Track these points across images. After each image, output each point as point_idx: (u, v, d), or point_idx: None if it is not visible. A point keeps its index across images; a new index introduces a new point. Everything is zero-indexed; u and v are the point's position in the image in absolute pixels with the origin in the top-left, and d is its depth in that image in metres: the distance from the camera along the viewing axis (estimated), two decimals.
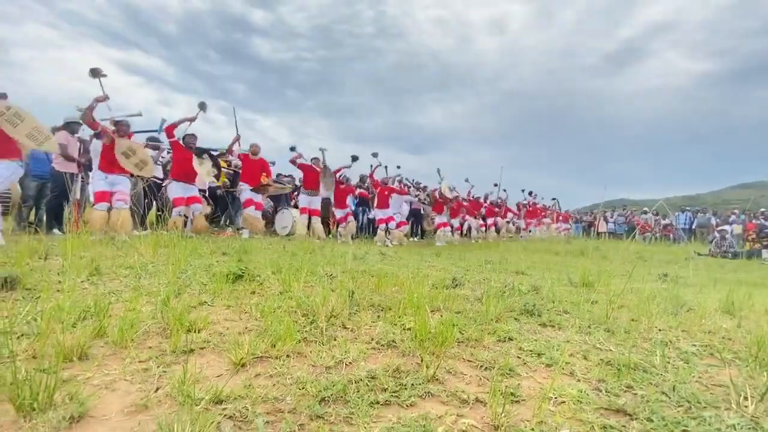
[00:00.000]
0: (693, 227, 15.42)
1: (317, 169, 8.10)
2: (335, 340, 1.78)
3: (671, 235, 15.52)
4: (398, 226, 9.07)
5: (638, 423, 1.23)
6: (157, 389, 1.27)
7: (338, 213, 8.50)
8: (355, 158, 8.68)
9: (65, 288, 2.14)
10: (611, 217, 17.66)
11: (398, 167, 10.20)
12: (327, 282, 2.88)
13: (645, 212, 16.74)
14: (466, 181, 11.80)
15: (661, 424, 1.21)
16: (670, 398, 1.39)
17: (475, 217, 11.86)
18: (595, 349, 1.88)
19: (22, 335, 1.58)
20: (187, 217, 6.46)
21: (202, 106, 6.49)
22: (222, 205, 8.24)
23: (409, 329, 1.93)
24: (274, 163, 9.64)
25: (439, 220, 10.09)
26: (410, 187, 10.89)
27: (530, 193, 15.31)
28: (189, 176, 6.46)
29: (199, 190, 6.80)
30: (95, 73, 5.19)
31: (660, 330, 2.23)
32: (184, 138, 6.51)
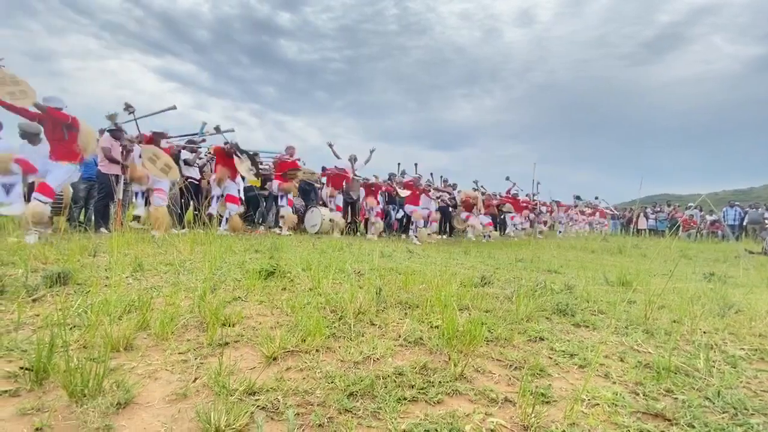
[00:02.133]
0: (743, 223, 14.40)
1: (343, 173, 8.31)
2: (363, 336, 1.80)
3: (719, 232, 14.57)
4: (431, 222, 9.06)
5: (678, 429, 1.18)
6: (195, 379, 1.34)
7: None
8: (372, 150, 9.02)
9: (112, 283, 2.29)
10: (652, 213, 16.80)
11: (416, 164, 10.13)
12: (355, 279, 2.91)
13: (688, 207, 15.81)
14: (507, 179, 12.02)
15: (703, 430, 1.15)
16: (714, 404, 1.32)
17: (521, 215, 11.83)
18: (633, 350, 1.81)
19: (74, 326, 1.70)
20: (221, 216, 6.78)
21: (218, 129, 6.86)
22: (254, 205, 8.49)
23: (437, 327, 1.92)
24: (304, 163, 9.83)
25: (470, 220, 10.14)
26: (438, 190, 10.80)
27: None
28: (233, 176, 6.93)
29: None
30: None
31: (704, 332, 2.11)
32: (225, 144, 6.89)
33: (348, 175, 8.47)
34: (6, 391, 1.18)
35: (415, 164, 9.67)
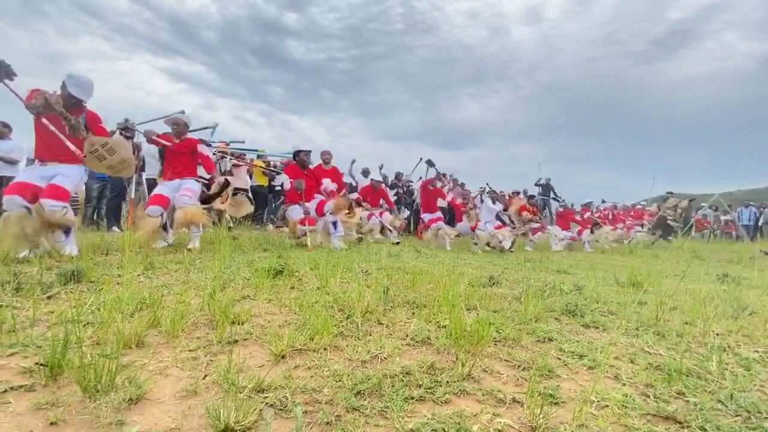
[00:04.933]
0: (759, 223, 14.11)
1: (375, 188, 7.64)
2: (370, 335, 1.80)
3: (733, 233, 14.29)
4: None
5: (689, 431, 1.16)
6: (205, 376, 1.36)
7: (426, 217, 8.11)
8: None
9: (124, 281, 2.32)
10: None
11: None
12: (362, 278, 2.92)
13: (701, 207, 15.51)
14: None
15: None
16: (726, 407, 1.30)
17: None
18: (643, 352, 1.78)
19: (88, 323, 1.73)
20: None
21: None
22: (262, 203, 8.57)
23: (444, 327, 1.92)
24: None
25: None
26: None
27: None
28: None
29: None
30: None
31: (717, 334, 2.08)
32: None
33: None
34: (22, 386, 1.21)
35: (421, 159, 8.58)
